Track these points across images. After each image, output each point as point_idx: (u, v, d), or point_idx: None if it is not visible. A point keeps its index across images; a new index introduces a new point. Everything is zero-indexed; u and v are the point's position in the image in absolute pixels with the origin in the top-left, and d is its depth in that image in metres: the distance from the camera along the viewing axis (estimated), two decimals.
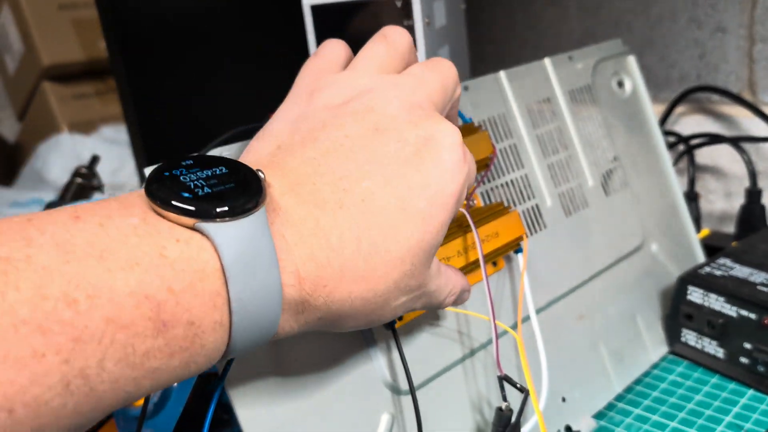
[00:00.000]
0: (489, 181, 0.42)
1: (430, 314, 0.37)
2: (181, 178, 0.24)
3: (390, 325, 0.34)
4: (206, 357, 0.23)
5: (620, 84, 0.54)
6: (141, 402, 0.41)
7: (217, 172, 0.25)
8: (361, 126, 0.28)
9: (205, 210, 0.23)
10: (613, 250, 0.49)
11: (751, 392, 0.46)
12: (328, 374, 0.33)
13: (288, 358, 0.32)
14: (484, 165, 0.40)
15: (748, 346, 0.46)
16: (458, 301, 0.34)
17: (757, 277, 0.47)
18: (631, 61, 0.55)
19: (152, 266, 0.21)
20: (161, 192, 0.23)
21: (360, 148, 0.28)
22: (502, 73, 0.46)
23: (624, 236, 0.50)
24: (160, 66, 0.66)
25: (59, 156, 1.16)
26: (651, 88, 0.70)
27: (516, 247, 0.40)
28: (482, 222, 0.38)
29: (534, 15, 0.77)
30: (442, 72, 0.32)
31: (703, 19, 0.65)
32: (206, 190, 0.24)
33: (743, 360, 0.46)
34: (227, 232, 0.23)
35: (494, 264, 0.41)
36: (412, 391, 0.34)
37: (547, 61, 0.49)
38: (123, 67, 0.67)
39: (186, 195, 0.23)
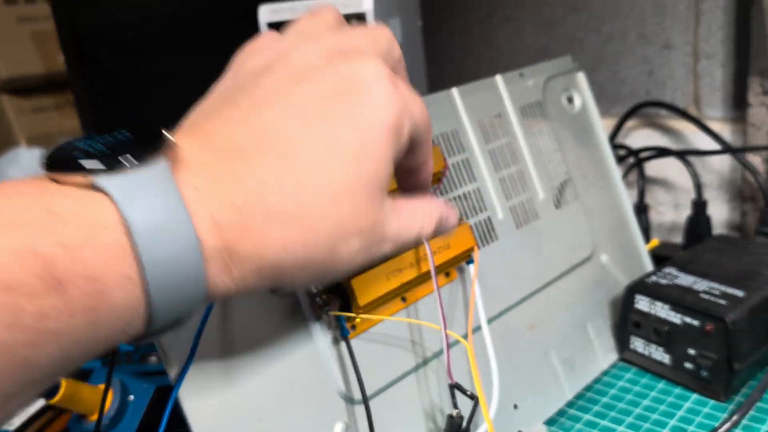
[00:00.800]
0: (442, 194, 0.44)
1: (383, 324, 0.38)
2: (77, 143, 0.23)
3: (343, 335, 0.35)
4: (119, 317, 0.22)
5: (570, 100, 0.56)
6: (95, 417, 0.41)
7: (117, 136, 0.24)
8: (277, 79, 0.28)
9: (101, 165, 0.22)
10: (564, 261, 0.50)
11: (695, 396, 0.47)
12: (282, 384, 0.34)
13: (241, 368, 0.33)
14: (436, 179, 0.41)
15: (692, 352, 0.47)
16: (441, 229, 0.32)
17: (700, 285, 0.49)
18: (581, 77, 0.56)
19: (41, 223, 0.21)
20: (53, 156, 0.23)
21: (277, 97, 0.27)
22: (454, 90, 0.47)
23: (574, 247, 0.52)
24: (117, 79, 0.66)
25: (17, 169, 1.14)
26: (603, 103, 0.72)
27: (468, 258, 0.42)
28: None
29: (490, 31, 0.79)
30: (372, 29, 0.31)
31: (651, 36, 0.67)
32: (100, 147, 0.23)
33: (688, 366, 0.48)
34: (124, 184, 0.22)
35: (447, 275, 0.42)
36: (365, 400, 0.34)
37: (498, 78, 0.50)
38: (81, 80, 0.67)
39: (79, 155, 0.23)
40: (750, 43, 0.58)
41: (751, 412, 0.45)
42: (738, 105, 0.63)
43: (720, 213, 0.67)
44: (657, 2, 0.66)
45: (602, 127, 0.57)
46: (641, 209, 0.66)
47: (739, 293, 0.48)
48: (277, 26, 0.47)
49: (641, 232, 0.62)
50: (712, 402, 0.47)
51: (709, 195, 0.66)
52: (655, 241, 0.67)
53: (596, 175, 0.56)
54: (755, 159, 0.60)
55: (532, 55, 0.76)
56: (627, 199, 0.57)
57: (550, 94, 0.54)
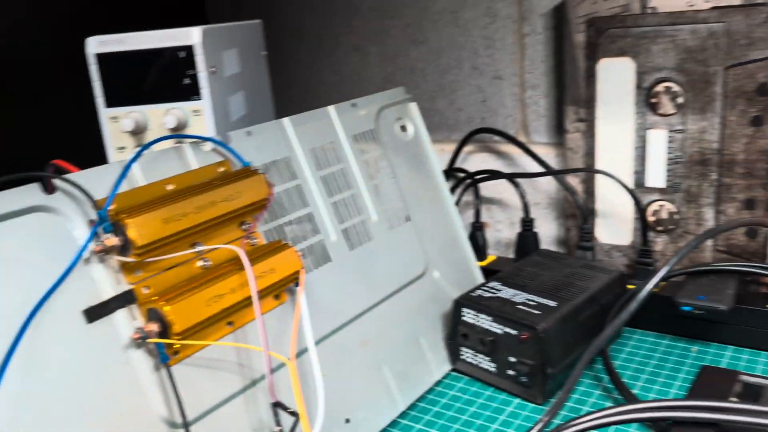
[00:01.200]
0: (272, 220, 0.45)
1: (211, 348, 0.39)
2: None
3: (162, 362, 0.36)
4: None
5: (403, 128, 0.59)
6: None
7: None
8: None
9: None
10: (397, 279, 0.53)
11: (517, 401, 0.51)
12: (99, 413, 0.34)
13: (54, 400, 0.33)
14: (260, 207, 0.43)
15: (512, 359, 0.52)
16: None
17: (519, 297, 0.54)
18: (413, 107, 0.60)
19: None
20: None
21: None
22: (286, 120, 0.49)
23: (407, 265, 0.55)
24: None
25: None
26: (444, 129, 0.77)
27: (295, 280, 0.43)
28: (259, 259, 0.41)
29: (338, 61, 0.82)
30: None
31: (483, 68, 0.73)
32: None
33: (510, 372, 0.52)
34: None
35: (277, 297, 0.44)
36: (186, 424, 0.35)
37: (330, 108, 0.53)
38: None
39: None
40: (565, 75, 0.65)
41: (561, 412, 0.49)
42: (559, 131, 0.69)
43: (549, 229, 0.72)
44: (487, 36, 0.71)
45: (435, 152, 0.61)
46: (477, 227, 0.70)
47: (553, 303, 0.53)
48: (105, 57, 0.47)
49: (477, 249, 0.67)
50: (531, 405, 0.51)
51: (539, 213, 0.72)
52: (491, 257, 0.72)
53: (429, 198, 0.59)
54: (574, 180, 0.66)
55: (379, 84, 0.80)
56: (459, 219, 0.61)
57: (383, 123, 0.57)
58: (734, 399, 0.44)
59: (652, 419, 0.38)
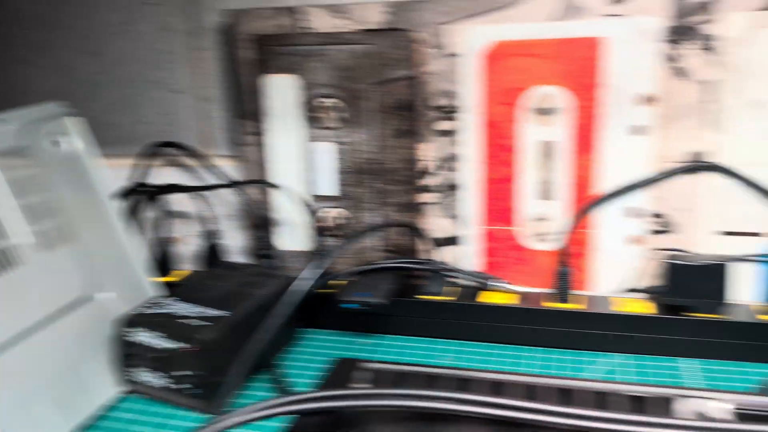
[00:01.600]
0: None
1: None
2: None
3: None
4: None
5: (59, 144, 0.56)
6: None
7: None
8: None
9: None
10: (55, 304, 0.51)
11: (192, 414, 0.52)
12: None
13: None
14: None
15: (184, 373, 0.52)
16: None
17: (191, 310, 0.54)
18: (72, 121, 0.57)
19: None
20: None
21: None
22: None
23: (69, 289, 0.52)
24: None
25: None
26: (125, 143, 0.74)
27: None
28: None
29: (8, 70, 0.76)
30: None
31: (162, 81, 0.72)
32: None
33: (183, 386, 0.52)
34: None
35: None
36: None
37: None
38: None
39: None
40: (238, 89, 0.66)
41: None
42: (238, 143, 0.71)
43: (237, 240, 0.74)
44: (163, 50, 0.71)
45: (102, 169, 0.58)
46: (164, 243, 0.70)
47: (223, 314, 0.54)
48: None
49: (163, 264, 0.66)
50: (206, 416, 0.51)
51: (227, 224, 0.73)
52: (183, 272, 0.71)
53: (96, 217, 0.57)
54: (255, 191, 0.68)
55: (58, 96, 0.74)
56: (131, 237, 0.59)
57: (35, 139, 0.54)
58: (357, 386, 0.49)
59: (287, 412, 0.41)
